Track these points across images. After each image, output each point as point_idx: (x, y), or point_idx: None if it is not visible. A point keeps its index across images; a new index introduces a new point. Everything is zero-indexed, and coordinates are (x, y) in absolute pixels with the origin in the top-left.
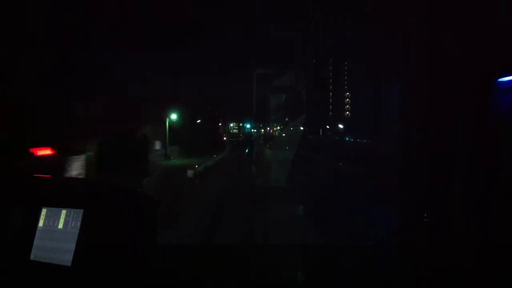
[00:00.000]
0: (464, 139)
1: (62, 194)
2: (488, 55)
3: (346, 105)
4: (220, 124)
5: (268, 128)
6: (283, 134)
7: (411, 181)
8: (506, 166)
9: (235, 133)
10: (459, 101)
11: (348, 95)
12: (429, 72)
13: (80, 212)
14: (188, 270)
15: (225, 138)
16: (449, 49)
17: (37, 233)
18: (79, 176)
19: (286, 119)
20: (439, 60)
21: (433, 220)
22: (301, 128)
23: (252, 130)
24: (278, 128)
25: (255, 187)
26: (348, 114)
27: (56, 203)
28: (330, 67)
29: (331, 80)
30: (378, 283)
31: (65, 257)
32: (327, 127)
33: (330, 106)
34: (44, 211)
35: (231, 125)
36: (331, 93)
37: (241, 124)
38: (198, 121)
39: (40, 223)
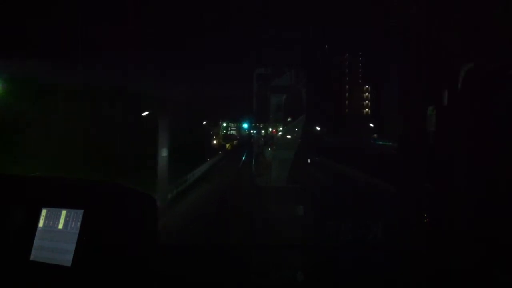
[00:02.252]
0: (464, 138)
1: (62, 195)
2: (488, 54)
3: (365, 101)
4: (204, 122)
5: (270, 129)
6: (288, 136)
7: (411, 181)
8: (506, 166)
9: (231, 134)
10: (458, 100)
11: (367, 88)
12: (428, 71)
13: (80, 212)
14: (188, 270)
15: (215, 142)
16: (449, 49)
17: (37, 234)
18: None
19: (289, 119)
20: (439, 59)
21: (433, 220)
22: (318, 128)
23: (252, 132)
24: (281, 128)
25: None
26: (368, 111)
27: (56, 204)
28: (347, 54)
29: (347, 70)
30: (378, 283)
31: (65, 258)
32: (371, 125)
33: (347, 102)
34: (44, 212)
35: (224, 124)
36: (347, 87)
37: (237, 125)
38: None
39: (40, 224)
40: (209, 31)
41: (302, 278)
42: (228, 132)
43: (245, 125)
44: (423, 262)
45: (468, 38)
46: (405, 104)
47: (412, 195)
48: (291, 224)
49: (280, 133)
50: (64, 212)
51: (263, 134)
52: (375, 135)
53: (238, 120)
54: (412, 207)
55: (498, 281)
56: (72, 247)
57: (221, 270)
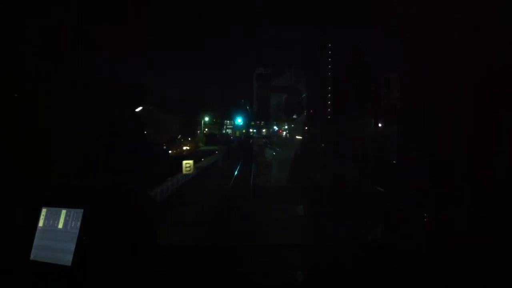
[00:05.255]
0: (464, 139)
1: (62, 194)
2: (488, 54)
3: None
4: (137, 109)
5: (275, 128)
6: (298, 136)
7: (411, 181)
8: (506, 166)
9: (226, 134)
10: (459, 101)
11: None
12: (428, 71)
13: (80, 212)
14: (188, 270)
15: (186, 148)
16: (449, 49)
17: (37, 233)
18: None
19: (294, 116)
20: (439, 59)
21: (433, 220)
22: (373, 123)
23: (251, 130)
24: (286, 126)
25: None
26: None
27: (56, 203)
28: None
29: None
30: (378, 283)
31: (65, 257)
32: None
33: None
34: (44, 211)
35: (206, 119)
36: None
37: (233, 122)
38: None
39: (40, 223)
40: (209, 31)
41: (302, 278)
42: (224, 131)
43: (239, 120)
44: (423, 262)
45: (468, 38)
46: (404, 104)
47: (412, 195)
48: (291, 224)
49: (285, 132)
50: (64, 212)
51: (264, 134)
52: None
53: (232, 117)
54: (412, 207)
55: (498, 281)
56: (72, 246)
57: (221, 270)
